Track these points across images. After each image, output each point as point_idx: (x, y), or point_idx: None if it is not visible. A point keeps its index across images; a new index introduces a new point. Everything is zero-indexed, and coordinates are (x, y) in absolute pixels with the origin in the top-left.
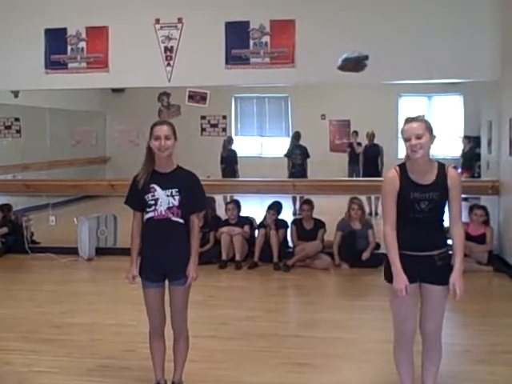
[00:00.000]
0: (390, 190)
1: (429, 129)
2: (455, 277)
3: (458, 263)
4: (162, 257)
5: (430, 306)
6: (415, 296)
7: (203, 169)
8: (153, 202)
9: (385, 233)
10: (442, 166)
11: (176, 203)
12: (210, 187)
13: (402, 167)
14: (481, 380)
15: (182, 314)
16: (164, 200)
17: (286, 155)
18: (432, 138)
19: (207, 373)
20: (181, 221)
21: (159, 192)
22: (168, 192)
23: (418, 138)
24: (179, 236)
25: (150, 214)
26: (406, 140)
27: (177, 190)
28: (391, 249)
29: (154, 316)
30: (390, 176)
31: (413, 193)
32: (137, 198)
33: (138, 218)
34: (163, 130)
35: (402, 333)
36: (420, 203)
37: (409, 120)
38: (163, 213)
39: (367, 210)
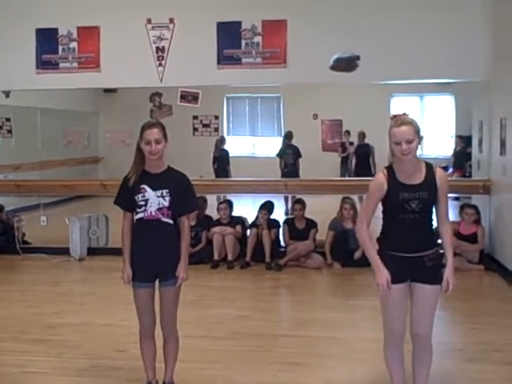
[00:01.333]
0: (374, 190)
1: (417, 131)
2: (449, 273)
3: (450, 261)
4: (152, 257)
5: (420, 306)
6: (404, 296)
7: (195, 169)
8: (143, 203)
9: (359, 230)
10: (429, 166)
11: (166, 204)
12: (203, 187)
13: (390, 169)
14: (472, 378)
15: (171, 314)
16: (154, 201)
17: (277, 155)
18: (420, 139)
19: (199, 373)
20: (170, 221)
21: (149, 193)
22: (158, 193)
23: (409, 142)
24: (169, 237)
25: (140, 215)
26: (396, 144)
27: (167, 190)
28: (368, 245)
29: (144, 316)
30: (378, 178)
31: (402, 193)
32: (127, 198)
33: (128, 218)
34: (153, 133)
35: (391, 332)
36: (410, 203)
37: (398, 123)
38: (153, 213)
39: (359, 209)
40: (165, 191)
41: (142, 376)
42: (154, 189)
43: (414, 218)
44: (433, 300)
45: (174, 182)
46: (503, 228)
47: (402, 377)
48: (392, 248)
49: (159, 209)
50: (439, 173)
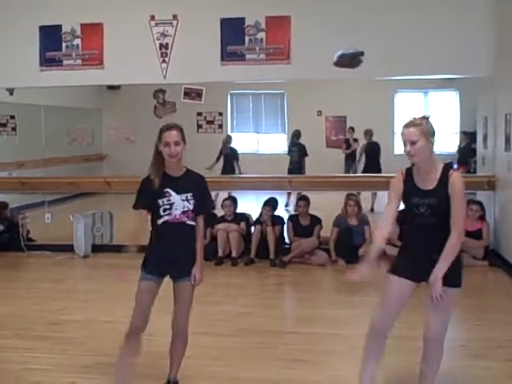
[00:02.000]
0: (391, 189)
1: (426, 133)
2: (431, 280)
3: (436, 270)
4: (174, 258)
5: (432, 308)
6: (403, 291)
7: (200, 166)
8: (168, 207)
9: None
10: (446, 171)
11: (191, 207)
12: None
13: (409, 171)
14: (475, 375)
15: (186, 312)
16: (179, 204)
17: (287, 153)
18: (430, 141)
19: (203, 369)
20: (194, 224)
21: (175, 196)
22: (183, 196)
23: (412, 143)
24: (191, 238)
25: (166, 218)
26: (404, 145)
27: (191, 194)
28: (374, 243)
29: (141, 313)
30: (395, 178)
31: (414, 197)
32: (148, 200)
33: (144, 216)
34: (172, 135)
35: (374, 321)
36: (419, 208)
37: (407, 124)
38: (177, 217)
39: (369, 205)
40: (189, 195)
41: (146, 372)
42: (179, 192)
43: (425, 222)
44: (444, 302)
45: (195, 185)
46: (508, 224)
47: (368, 373)
48: (406, 250)
49: (184, 212)
50: (452, 179)
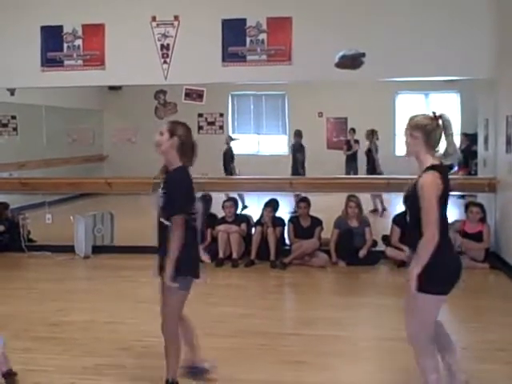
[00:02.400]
0: None
1: (410, 128)
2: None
3: (409, 269)
4: (158, 254)
5: (407, 308)
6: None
7: (200, 167)
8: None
9: None
10: (426, 170)
11: (161, 204)
12: (209, 185)
13: None
14: (475, 377)
15: (165, 313)
16: (158, 200)
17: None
18: (414, 136)
19: None
20: (167, 223)
21: (159, 192)
22: (159, 192)
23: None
24: (165, 237)
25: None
26: None
27: (164, 191)
28: None
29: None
30: None
31: (407, 190)
32: None
33: None
34: (160, 127)
35: None
36: (404, 198)
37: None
38: (158, 212)
39: (371, 206)
40: (162, 191)
41: (146, 374)
42: (161, 188)
43: (407, 214)
44: (413, 306)
45: (168, 182)
46: (509, 226)
47: None
48: None
49: (160, 208)
50: (421, 179)
